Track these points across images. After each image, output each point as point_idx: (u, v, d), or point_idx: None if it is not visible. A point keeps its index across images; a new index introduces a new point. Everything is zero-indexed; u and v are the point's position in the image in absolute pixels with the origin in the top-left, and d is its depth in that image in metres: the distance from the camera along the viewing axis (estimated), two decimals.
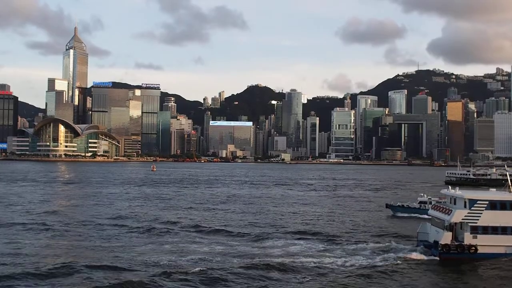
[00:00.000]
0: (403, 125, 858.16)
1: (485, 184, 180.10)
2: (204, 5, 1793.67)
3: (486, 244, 55.79)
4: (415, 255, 56.73)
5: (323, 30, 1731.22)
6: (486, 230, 56.28)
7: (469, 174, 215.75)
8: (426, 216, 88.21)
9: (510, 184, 62.90)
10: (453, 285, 48.28)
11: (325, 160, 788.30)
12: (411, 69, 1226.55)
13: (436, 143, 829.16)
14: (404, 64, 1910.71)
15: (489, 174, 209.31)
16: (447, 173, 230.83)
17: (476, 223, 56.34)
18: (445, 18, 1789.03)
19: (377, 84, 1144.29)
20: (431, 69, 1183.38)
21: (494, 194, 60.66)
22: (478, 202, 56.98)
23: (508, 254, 55.85)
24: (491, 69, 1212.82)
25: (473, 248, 55.68)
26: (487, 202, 56.96)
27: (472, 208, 56.72)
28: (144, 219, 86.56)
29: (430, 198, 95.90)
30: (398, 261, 54.39)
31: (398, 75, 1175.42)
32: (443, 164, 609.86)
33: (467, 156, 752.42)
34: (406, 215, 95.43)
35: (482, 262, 54.37)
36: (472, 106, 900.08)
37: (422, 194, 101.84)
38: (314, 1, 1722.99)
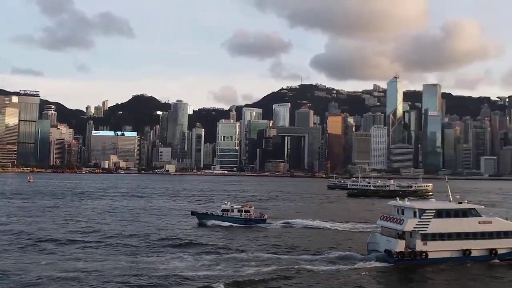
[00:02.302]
0: (286, 137, 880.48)
1: (385, 195, 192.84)
2: (89, 10, 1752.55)
3: (435, 250, 61.30)
4: (371, 264, 60.72)
5: (210, 41, 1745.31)
6: (434, 237, 61.73)
7: (370, 186, 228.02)
8: (228, 224, 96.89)
9: (450, 194, 68.11)
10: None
11: (209, 171, 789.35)
12: (295, 83, 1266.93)
13: (317, 155, 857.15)
14: (289, 78, 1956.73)
15: (387, 186, 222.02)
16: (329, 181, 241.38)
17: (426, 230, 61.58)
18: (328, 35, 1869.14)
19: (262, 97, 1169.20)
20: (314, 84, 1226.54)
21: (439, 204, 67.50)
22: (427, 211, 62.78)
23: (453, 258, 61.80)
24: (369, 85, 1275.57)
25: (424, 254, 60.76)
26: (434, 211, 62.87)
27: (422, 217, 62.17)
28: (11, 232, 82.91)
29: (232, 206, 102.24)
30: (356, 270, 58.18)
31: (282, 88, 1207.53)
32: (324, 176, 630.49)
33: (346, 168, 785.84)
34: (210, 222, 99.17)
35: (432, 267, 59.77)
36: (351, 120, 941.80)
37: (225, 203, 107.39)
38: (202, 12, 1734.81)
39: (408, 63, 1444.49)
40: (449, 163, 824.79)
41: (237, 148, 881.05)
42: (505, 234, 63.82)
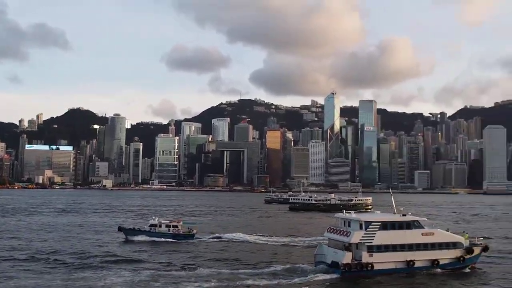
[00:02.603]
0: (225, 152, 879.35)
1: (325, 209, 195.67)
2: (23, 21, 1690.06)
3: (380, 261, 62.35)
4: (319, 276, 61.21)
5: (149, 55, 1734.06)
6: (380, 248, 62.76)
7: (311, 200, 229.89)
8: (156, 239, 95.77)
9: (394, 206, 69.05)
10: None
11: (148, 186, 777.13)
12: (234, 98, 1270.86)
13: (256, 170, 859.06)
14: (228, 93, 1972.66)
15: (328, 200, 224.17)
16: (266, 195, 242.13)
17: (371, 242, 62.51)
18: (267, 50, 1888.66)
19: (201, 112, 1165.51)
20: (253, 99, 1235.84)
21: (384, 216, 68.19)
22: (373, 223, 63.63)
23: (398, 269, 62.98)
24: (307, 101, 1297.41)
25: (370, 265, 61.65)
26: (380, 223, 63.78)
27: (368, 229, 62.99)
28: None
29: (160, 221, 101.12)
30: (302, 283, 58.34)
31: (221, 103, 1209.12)
32: (263, 190, 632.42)
33: (284, 182, 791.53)
34: (138, 237, 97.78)
35: (377, 278, 60.90)
36: (289, 135, 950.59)
37: (153, 218, 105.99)
38: (141, 26, 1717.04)
39: (345, 80, 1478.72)
40: (385, 177, 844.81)
41: (176, 162, 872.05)
42: (446, 245, 65.67)
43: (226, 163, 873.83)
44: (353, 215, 68.21)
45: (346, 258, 61.46)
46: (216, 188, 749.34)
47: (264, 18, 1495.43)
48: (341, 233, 65.07)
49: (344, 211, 73.00)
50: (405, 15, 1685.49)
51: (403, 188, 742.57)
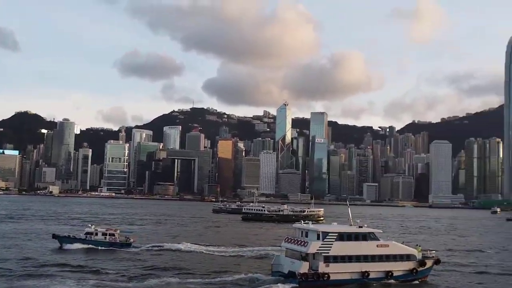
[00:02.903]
0: (176, 160, 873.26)
1: (279, 220, 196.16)
2: None
3: (336, 271, 62.92)
4: (277, 286, 61.22)
5: (101, 60, 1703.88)
6: (336, 259, 63.57)
7: (264, 210, 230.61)
8: (91, 247, 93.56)
9: (351, 218, 70.15)
10: None
11: (96, 193, 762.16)
12: (187, 106, 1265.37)
13: (207, 179, 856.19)
14: (181, 101, 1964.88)
15: (281, 210, 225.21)
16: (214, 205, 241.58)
17: (328, 253, 63.24)
18: (221, 59, 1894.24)
19: (153, 119, 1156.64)
20: (205, 108, 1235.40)
21: (340, 227, 68.68)
22: (330, 234, 64.44)
23: (353, 280, 63.86)
24: (259, 111, 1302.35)
25: (326, 275, 61.99)
26: (336, 234, 64.60)
27: (325, 240, 63.77)
28: None
29: (96, 229, 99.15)
30: None
31: (174, 111, 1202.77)
32: (213, 200, 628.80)
33: (235, 192, 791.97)
34: (73, 245, 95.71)
35: None
36: (241, 145, 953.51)
37: (89, 226, 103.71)
38: (94, 31, 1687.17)
39: (298, 91, 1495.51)
40: (334, 188, 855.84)
41: (125, 170, 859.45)
42: (400, 257, 66.82)
43: (177, 172, 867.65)
44: (311, 225, 68.77)
45: (303, 268, 61.80)
46: (166, 196, 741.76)
47: (219, 27, 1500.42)
48: (299, 243, 65.49)
49: (302, 221, 73.64)
50: (358, 30, 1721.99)
51: (352, 200, 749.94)
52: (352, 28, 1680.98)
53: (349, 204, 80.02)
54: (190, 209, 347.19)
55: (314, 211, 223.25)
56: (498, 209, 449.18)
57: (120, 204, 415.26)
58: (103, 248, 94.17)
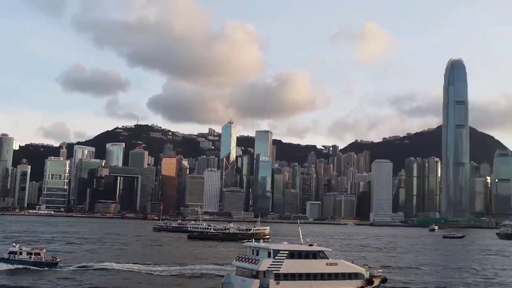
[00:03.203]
0: (119, 177, 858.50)
1: (225, 238, 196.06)
2: None
3: None
4: None
5: (43, 74, 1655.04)
6: (286, 276, 63.83)
7: (210, 228, 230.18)
8: (16, 266, 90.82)
9: (301, 236, 70.73)
10: None
11: (34, 211, 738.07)
12: (131, 123, 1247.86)
13: (150, 197, 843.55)
14: (125, 117, 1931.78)
15: (228, 229, 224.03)
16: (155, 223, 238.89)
17: (279, 270, 63.51)
18: (166, 76, 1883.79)
19: (95, 135, 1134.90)
20: (150, 125, 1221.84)
21: (291, 246, 69.84)
22: (281, 252, 65.05)
23: None
24: (204, 129, 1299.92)
25: None
26: (287, 252, 65.31)
27: (276, 258, 64.33)
28: None
29: (21, 249, 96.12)
30: None
31: (117, 127, 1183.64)
32: (156, 218, 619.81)
33: (178, 210, 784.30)
34: None
35: None
36: (185, 162, 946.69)
37: (14, 245, 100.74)
38: (37, 44, 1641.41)
39: (243, 109, 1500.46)
40: (278, 207, 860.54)
41: (65, 187, 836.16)
42: (349, 276, 67.83)
43: (119, 189, 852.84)
44: (262, 243, 70.46)
45: (254, 285, 62.09)
46: (107, 214, 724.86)
47: (165, 44, 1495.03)
48: (250, 261, 66.01)
49: (253, 240, 74.14)
50: (304, 50, 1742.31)
51: (295, 218, 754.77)
52: (298, 49, 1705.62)
53: (293, 222, 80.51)
54: (131, 228, 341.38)
55: (260, 230, 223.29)
56: (436, 227, 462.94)
57: (60, 223, 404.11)
58: (27, 267, 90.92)
